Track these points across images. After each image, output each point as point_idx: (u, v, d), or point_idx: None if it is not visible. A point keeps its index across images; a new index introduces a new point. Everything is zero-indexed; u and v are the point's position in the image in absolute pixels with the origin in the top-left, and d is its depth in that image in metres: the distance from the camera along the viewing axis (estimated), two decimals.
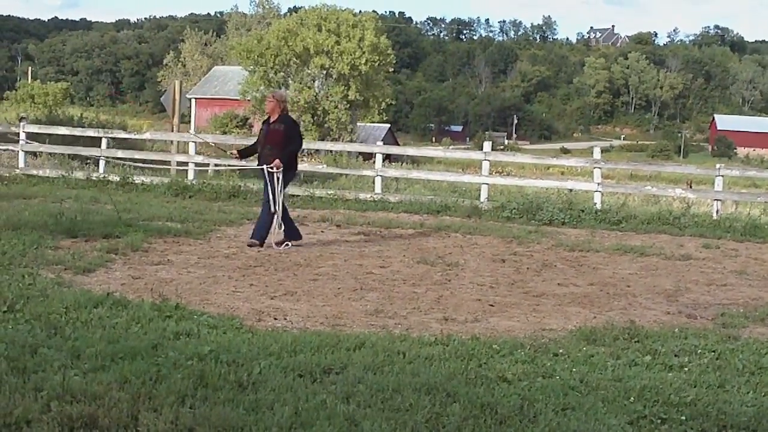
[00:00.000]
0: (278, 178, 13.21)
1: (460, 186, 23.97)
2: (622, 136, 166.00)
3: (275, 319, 8.64)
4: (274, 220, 13.25)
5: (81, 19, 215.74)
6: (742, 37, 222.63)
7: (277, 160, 13.22)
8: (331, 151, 35.56)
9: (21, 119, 25.07)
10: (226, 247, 13.05)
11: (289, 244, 13.30)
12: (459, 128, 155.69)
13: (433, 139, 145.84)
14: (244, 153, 14.45)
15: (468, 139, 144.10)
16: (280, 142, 13.34)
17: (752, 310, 10.11)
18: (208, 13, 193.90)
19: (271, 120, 13.61)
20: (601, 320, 9.17)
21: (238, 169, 19.66)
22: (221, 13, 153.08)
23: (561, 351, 7.58)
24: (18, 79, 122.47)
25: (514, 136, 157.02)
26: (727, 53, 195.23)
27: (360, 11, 66.77)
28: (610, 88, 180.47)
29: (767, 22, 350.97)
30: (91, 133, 24.66)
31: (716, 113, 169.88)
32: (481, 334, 8.18)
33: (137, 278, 10.31)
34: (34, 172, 21.85)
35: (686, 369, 7.22)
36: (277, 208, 13.18)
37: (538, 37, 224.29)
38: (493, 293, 10.65)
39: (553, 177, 34.40)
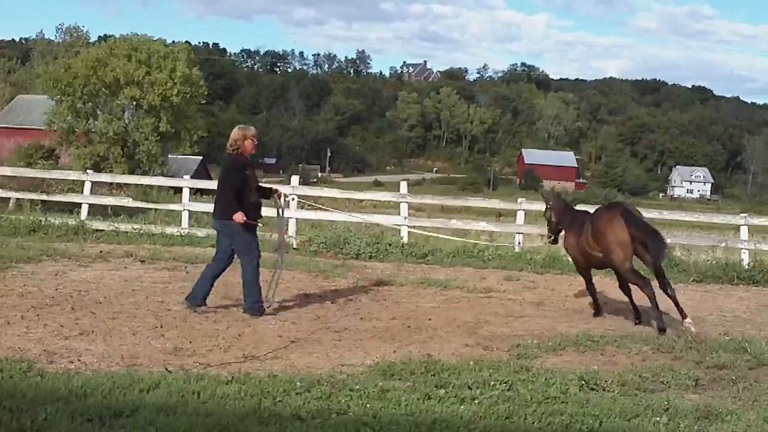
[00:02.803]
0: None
1: (271, 220, 23.80)
2: (435, 169, 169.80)
3: (68, 360, 8.38)
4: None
5: None
6: (547, 75, 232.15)
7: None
8: (140, 185, 34.81)
9: None
10: (22, 285, 12.54)
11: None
12: (273, 160, 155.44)
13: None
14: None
15: (282, 171, 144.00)
16: None
17: (546, 341, 10.46)
18: (13, 39, 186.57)
19: (246, 162, 11.76)
20: (400, 354, 9.30)
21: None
22: (26, 39, 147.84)
23: (357, 387, 7.62)
24: None
25: (328, 168, 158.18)
26: (533, 90, 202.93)
27: (172, 42, 65.99)
28: (423, 122, 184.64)
29: (570, 61, 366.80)
30: None
31: (524, 147, 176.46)
32: (279, 371, 8.17)
33: None
34: None
35: (477, 401, 7.40)
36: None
37: (352, 71, 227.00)
38: (295, 329, 10.65)
39: (365, 211, 34.74)
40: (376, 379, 8.02)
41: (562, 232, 13.29)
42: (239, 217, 11.32)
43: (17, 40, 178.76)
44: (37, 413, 6.23)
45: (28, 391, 6.85)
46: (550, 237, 13.66)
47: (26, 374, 7.49)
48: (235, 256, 11.68)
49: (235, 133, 11.70)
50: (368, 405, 7.08)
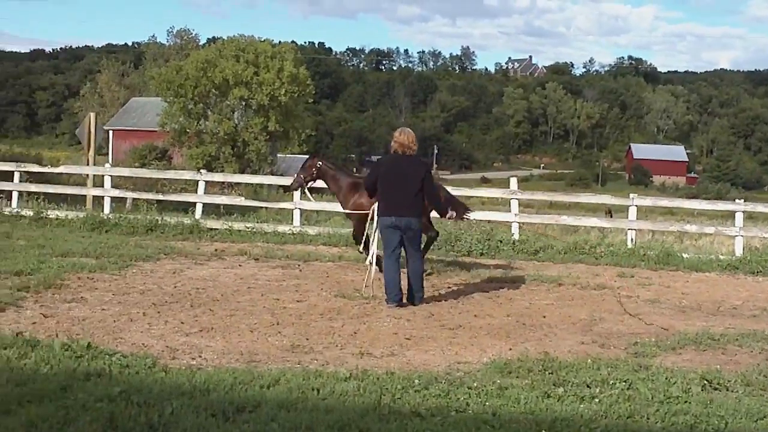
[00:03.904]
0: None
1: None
2: (542, 165, 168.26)
3: (190, 357, 8.54)
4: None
5: None
6: (655, 68, 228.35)
7: None
8: (251, 184, 35.36)
9: None
10: (142, 283, 12.85)
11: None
12: (380, 157, 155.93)
13: (355, 169, 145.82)
14: None
15: None
16: None
17: (664, 339, 10.27)
18: (126, 44, 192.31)
19: None
20: (516, 352, 9.24)
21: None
22: (138, 43, 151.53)
23: (475, 384, 7.60)
24: None
25: (435, 166, 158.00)
26: (641, 83, 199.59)
27: (279, 42, 66.68)
28: (529, 118, 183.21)
29: (679, 53, 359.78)
30: (2, 166, 23.69)
31: (632, 142, 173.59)
32: (396, 369, 8.18)
33: (49, 317, 10.10)
34: None
35: (597, 400, 7.29)
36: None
37: (457, 68, 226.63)
38: (410, 326, 10.66)
39: (473, 208, 34.66)
40: (493, 377, 7.98)
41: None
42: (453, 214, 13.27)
43: (130, 44, 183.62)
44: (163, 408, 6.37)
45: (154, 386, 7.00)
46: (298, 188, 16.17)
47: (151, 370, 7.66)
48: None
49: (411, 135, 12.27)
50: (487, 403, 7.05)
